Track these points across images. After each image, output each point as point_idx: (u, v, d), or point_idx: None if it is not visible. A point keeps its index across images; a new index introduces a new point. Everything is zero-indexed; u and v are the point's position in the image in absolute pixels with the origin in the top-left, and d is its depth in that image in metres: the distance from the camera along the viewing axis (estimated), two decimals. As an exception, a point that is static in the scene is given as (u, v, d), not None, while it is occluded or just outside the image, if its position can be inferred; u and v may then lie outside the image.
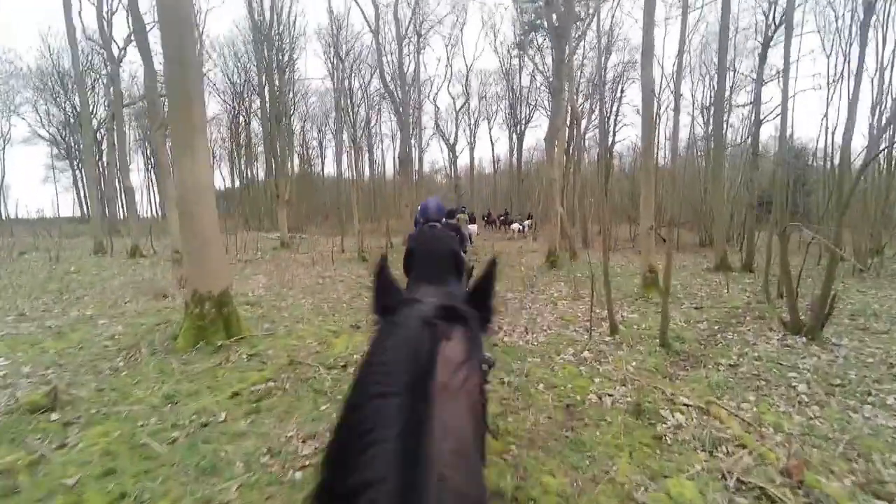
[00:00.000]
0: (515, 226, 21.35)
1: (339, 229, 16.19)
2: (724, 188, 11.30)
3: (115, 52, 23.15)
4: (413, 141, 22.33)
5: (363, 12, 16.37)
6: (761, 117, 10.84)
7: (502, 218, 28.43)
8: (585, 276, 10.23)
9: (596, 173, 27.31)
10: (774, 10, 10.53)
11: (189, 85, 4.70)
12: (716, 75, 16.49)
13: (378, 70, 16.49)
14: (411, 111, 19.48)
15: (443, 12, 24.00)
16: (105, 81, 23.44)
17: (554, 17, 10.64)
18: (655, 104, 23.71)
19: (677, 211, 21.41)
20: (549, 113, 27.03)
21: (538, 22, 18.97)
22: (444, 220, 9.22)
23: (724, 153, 10.93)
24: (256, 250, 15.47)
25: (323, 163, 40.70)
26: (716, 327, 5.79)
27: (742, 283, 9.51)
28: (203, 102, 5.05)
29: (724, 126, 10.24)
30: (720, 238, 10.84)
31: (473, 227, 19.50)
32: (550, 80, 11.18)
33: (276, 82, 27.31)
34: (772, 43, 10.51)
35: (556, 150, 11.26)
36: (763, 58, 10.39)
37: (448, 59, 29.10)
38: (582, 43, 17.18)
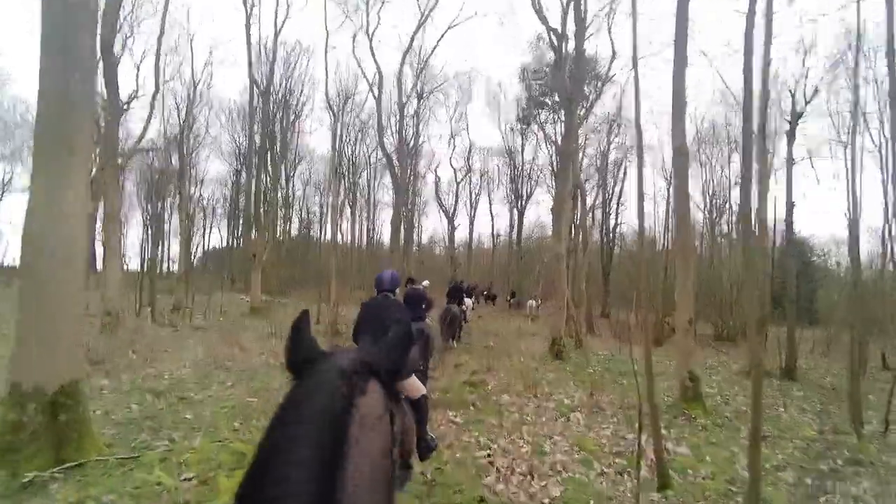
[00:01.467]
0: (532, 303, 20.10)
1: (319, 296, 14.50)
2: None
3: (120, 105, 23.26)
4: (411, 208, 21.47)
5: (364, 74, 16.20)
6: (792, 199, 9.74)
7: (486, 293, 26.81)
8: (598, 372, 8.41)
9: (598, 253, 26.33)
10: (805, 86, 9.95)
11: (74, 85, 3.37)
12: (730, 153, 15.93)
13: (377, 133, 15.99)
14: (408, 176, 18.79)
15: (446, 76, 24.07)
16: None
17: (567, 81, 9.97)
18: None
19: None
20: (551, 190, 26.65)
21: (543, 99, 19.02)
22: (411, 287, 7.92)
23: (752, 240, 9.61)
24: (220, 314, 13.67)
25: (321, 227, 39.88)
26: (808, 480, 3.94)
27: (792, 397, 7.67)
28: (92, 119, 3.72)
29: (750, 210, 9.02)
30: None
31: (469, 302, 17.94)
32: (558, 145, 10.31)
33: (278, 145, 27.40)
34: (800, 120, 9.75)
35: (563, 222, 10.02)
36: (791, 136, 9.57)
37: (451, 132, 29.35)
38: (585, 122, 16.88)
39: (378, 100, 16.39)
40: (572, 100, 9.79)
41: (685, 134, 5.67)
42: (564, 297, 9.67)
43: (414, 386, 2.53)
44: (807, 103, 9.92)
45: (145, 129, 11.96)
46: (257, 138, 15.89)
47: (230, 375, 6.33)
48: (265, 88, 15.10)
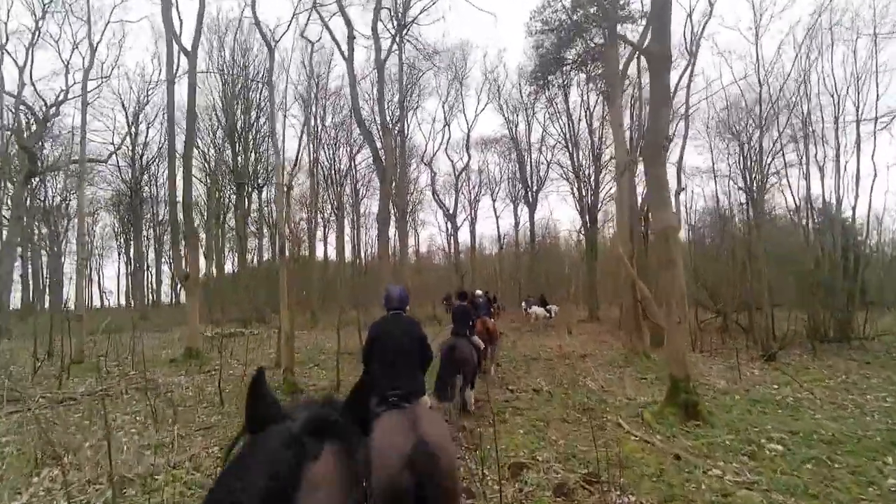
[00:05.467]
0: (552, 308, 16.84)
1: (286, 327, 10.20)
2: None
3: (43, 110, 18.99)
4: (403, 199, 17.25)
5: (332, 35, 12.18)
6: None
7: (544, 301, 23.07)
8: (797, 451, 4.14)
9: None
10: None
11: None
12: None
13: (351, 100, 11.88)
14: (395, 156, 14.67)
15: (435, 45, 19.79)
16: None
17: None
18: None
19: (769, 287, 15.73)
20: (568, 174, 22.69)
21: (560, 55, 15.11)
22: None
23: None
24: (134, 365, 9.35)
25: (311, 244, 35.35)
26: None
27: None
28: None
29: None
30: None
31: (540, 310, 15.06)
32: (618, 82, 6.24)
33: (241, 151, 23.35)
34: None
35: (664, 176, 5.92)
36: None
37: (445, 119, 25.53)
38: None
39: (350, 61, 12.37)
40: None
41: None
42: (684, 300, 5.51)
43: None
44: None
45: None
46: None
47: None
48: (192, 47, 10.96)
